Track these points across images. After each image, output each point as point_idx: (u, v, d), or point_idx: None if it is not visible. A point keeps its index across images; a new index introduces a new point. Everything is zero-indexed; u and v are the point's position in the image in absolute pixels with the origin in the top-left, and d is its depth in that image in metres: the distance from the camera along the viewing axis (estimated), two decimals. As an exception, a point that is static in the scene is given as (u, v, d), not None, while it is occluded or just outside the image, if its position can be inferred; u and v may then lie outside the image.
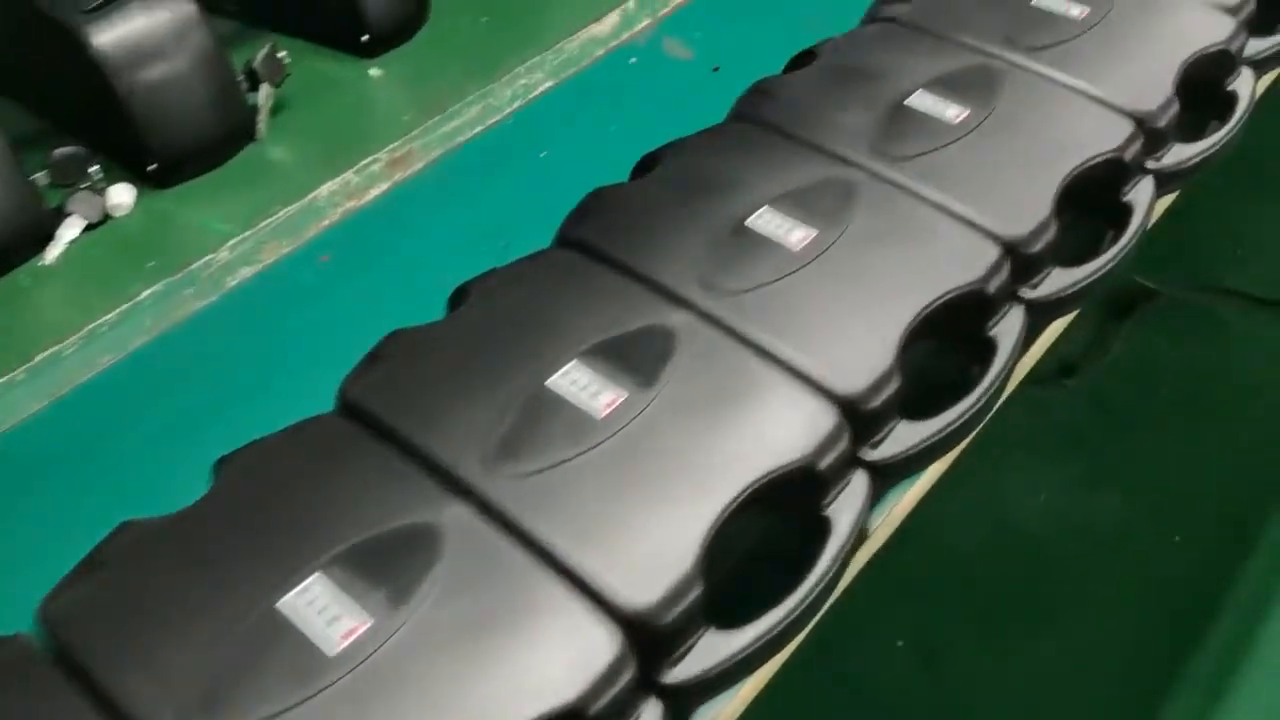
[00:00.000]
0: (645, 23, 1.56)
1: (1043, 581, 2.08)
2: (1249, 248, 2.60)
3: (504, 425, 0.88)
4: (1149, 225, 1.16)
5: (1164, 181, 1.19)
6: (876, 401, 0.93)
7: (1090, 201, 1.15)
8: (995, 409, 1.03)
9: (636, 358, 0.93)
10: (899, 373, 0.95)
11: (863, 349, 0.95)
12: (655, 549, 0.81)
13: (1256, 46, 1.32)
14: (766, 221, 1.04)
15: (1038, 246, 1.06)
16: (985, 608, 2.05)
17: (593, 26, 1.55)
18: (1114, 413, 2.37)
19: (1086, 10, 1.27)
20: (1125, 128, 1.16)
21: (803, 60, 1.28)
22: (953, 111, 1.15)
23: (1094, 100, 1.19)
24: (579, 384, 0.90)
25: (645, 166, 1.15)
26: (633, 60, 1.51)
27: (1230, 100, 1.27)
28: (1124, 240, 1.13)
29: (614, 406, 0.89)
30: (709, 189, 1.09)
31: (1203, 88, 1.27)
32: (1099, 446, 2.31)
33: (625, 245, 1.04)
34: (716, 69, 1.48)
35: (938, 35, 1.26)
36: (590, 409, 0.89)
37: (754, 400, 0.91)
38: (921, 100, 1.16)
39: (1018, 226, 1.06)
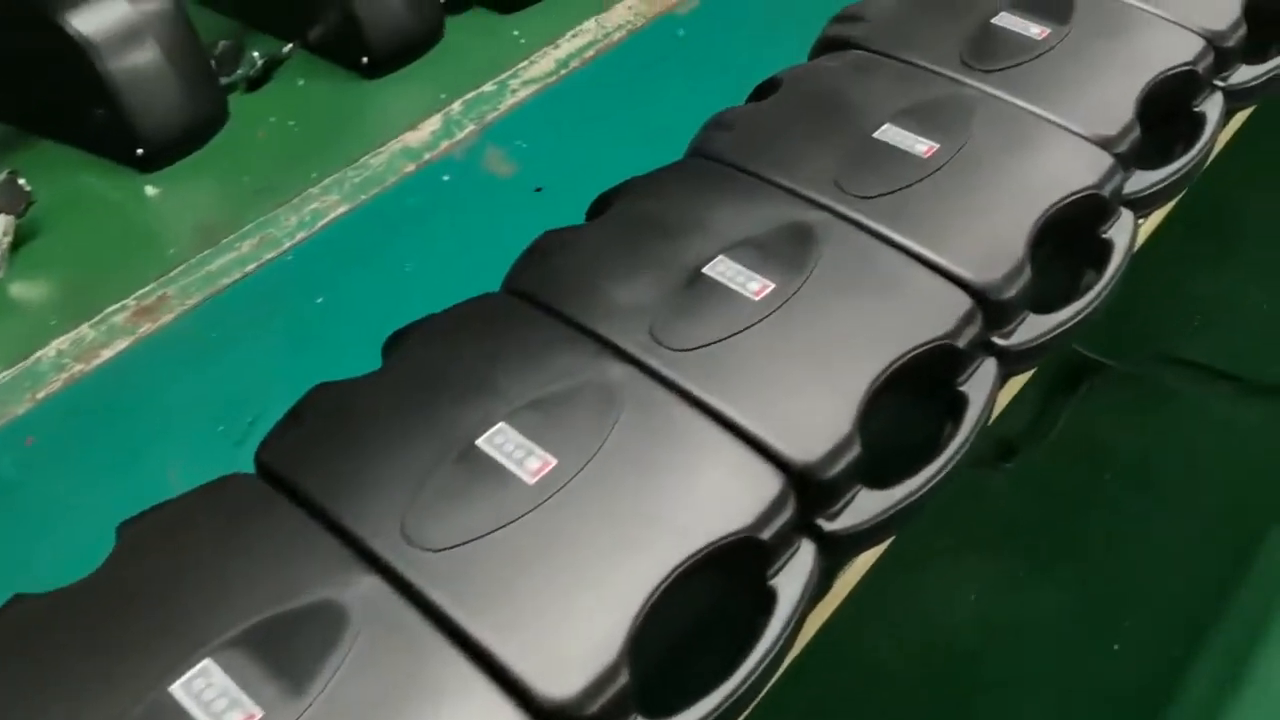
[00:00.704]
0: (469, 129, 1.38)
1: (970, 696, 1.91)
2: (1205, 315, 2.42)
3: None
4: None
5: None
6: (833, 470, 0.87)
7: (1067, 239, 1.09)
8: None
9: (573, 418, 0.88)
10: (859, 438, 0.89)
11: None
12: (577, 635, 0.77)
13: (1140, 182, 1.16)
14: (723, 270, 0.99)
15: (1011, 292, 1.01)
16: (906, 728, 1.88)
17: (408, 135, 1.37)
18: (1055, 499, 2.19)
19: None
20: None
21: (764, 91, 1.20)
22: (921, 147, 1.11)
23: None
24: (506, 448, 0.85)
25: (598, 209, 1.09)
26: (446, 178, 1.33)
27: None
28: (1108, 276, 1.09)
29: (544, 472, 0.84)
30: (663, 234, 1.04)
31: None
32: (1037, 538, 2.13)
33: (570, 300, 0.99)
34: (539, 190, 1.30)
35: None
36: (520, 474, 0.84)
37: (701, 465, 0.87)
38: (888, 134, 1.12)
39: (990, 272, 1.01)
